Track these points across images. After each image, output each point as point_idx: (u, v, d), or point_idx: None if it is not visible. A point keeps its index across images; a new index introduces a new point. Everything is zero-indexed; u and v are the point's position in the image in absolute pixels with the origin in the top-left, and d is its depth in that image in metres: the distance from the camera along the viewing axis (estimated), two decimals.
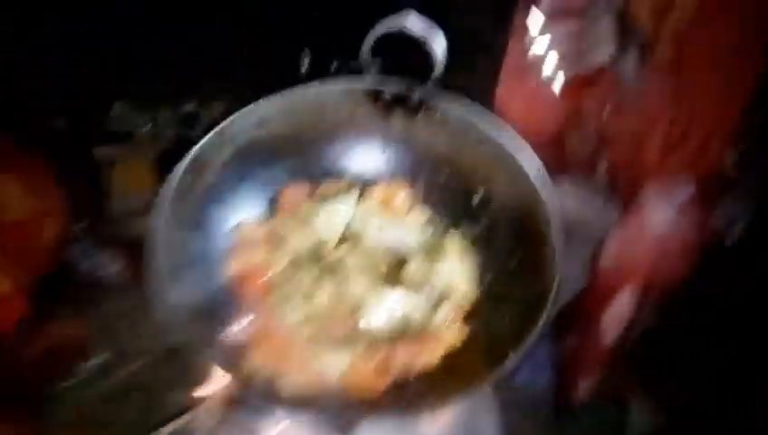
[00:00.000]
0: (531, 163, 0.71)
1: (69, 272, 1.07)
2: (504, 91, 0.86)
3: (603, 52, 0.76)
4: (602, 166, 0.83)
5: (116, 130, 1.06)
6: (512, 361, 0.59)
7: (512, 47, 0.85)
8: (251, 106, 0.75)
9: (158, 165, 1.04)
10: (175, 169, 0.69)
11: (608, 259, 0.79)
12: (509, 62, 0.85)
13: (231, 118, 0.73)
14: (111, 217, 1.09)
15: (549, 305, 0.62)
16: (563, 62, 0.80)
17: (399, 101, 0.78)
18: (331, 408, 0.66)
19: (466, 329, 0.71)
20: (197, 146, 0.71)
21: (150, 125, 1.06)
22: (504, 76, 0.86)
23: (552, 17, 0.79)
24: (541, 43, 0.81)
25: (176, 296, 0.63)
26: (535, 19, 0.80)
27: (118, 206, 1.06)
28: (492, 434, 0.74)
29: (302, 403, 0.65)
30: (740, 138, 0.72)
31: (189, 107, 1.05)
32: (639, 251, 0.77)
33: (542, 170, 0.70)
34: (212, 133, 0.72)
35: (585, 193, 0.90)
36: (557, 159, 0.77)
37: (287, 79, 0.77)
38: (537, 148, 0.72)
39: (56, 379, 0.99)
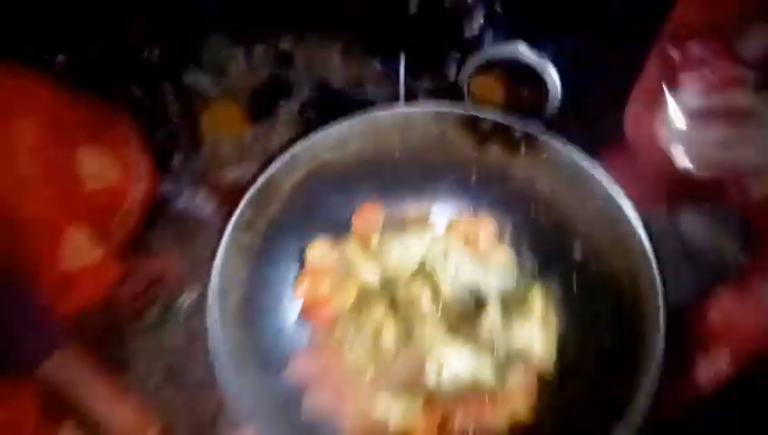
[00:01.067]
0: (639, 225, 0.62)
1: (164, 207, 1.14)
2: (634, 114, 0.77)
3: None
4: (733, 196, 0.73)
5: (209, 62, 1.06)
6: None
7: (648, 69, 0.74)
8: (328, 128, 0.69)
9: (249, 105, 1.05)
10: (246, 196, 0.65)
11: (714, 311, 0.70)
12: (643, 84, 0.75)
13: (306, 139, 0.68)
14: (204, 157, 1.13)
15: (639, 402, 0.54)
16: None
17: (500, 133, 0.70)
18: None
19: (539, 398, 0.65)
20: (268, 171, 0.67)
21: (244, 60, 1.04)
22: (635, 99, 0.76)
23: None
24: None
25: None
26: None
27: (209, 145, 1.08)
28: None
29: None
30: None
31: (285, 45, 1.03)
32: (747, 316, 0.67)
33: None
34: (285, 156, 0.68)
35: (713, 223, 0.82)
36: (684, 187, 0.68)
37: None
38: (663, 176, 0.63)
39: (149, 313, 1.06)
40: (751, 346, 0.67)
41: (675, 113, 0.62)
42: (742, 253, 0.77)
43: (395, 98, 0.98)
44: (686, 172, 0.66)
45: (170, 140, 1.12)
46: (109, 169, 0.94)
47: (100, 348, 1.02)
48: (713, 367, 0.67)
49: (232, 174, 1.22)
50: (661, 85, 0.70)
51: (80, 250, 0.89)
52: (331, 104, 1.16)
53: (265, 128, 1.15)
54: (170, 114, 1.17)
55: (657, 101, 0.71)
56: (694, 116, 0.61)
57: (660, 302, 0.59)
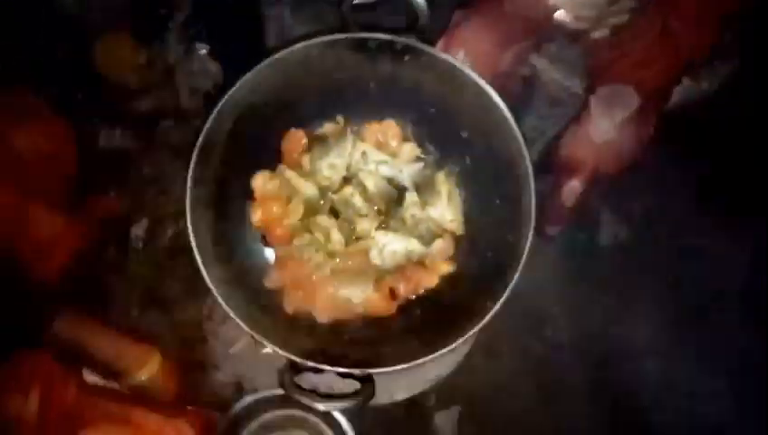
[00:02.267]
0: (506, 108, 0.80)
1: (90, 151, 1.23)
2: None
3: None
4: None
5: None
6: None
7: None
8: (242, 78, 0.80)
9: (135, 31, 1.14)
10: (192, 158, 0.77)
11: (565, 147, 0.92)
12: None
13: (225, 96, 0.79)
14: (109, 91, 1.20)
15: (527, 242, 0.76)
16: None
17: (385, 48, 0.83)
18: (360, 328, 0.84)
19: (456, 255, 0.87)
20: (204, 131, 0.78)
21: None
22: None
23: None
24: None
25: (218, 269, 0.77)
26: None
27: (111, 79, 1.17)
28: None
29: (338, 326, 0.83)
30: None
31: None
32: (586, 150, 0.90)
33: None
34: (211, 119, 0.78)
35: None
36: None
37: None
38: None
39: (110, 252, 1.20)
40: (594, 168, 0.90)
41: None
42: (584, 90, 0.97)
43: None
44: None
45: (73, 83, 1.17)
46: (38, 139, 1.01)
47: (83, 296, 1.16)
48: (570, 188, 0.91)
49: (143, 104, 1.29)
50: None
51: (44, 221, 0.99)
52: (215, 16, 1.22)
53: (158, 49, 1.21)
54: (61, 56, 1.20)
55: None
56: None
57: (528, 165, 0.78)
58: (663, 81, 0.86)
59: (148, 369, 0.95)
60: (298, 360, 0.74)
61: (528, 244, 0.76)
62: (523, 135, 0.80)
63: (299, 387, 0.73)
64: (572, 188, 0.90)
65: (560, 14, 0.79)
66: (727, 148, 1.09)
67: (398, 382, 1.04)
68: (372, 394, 0.73)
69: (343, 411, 1.04)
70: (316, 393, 0.72)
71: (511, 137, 0.79)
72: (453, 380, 1.15)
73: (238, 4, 1.19)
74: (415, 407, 1.17)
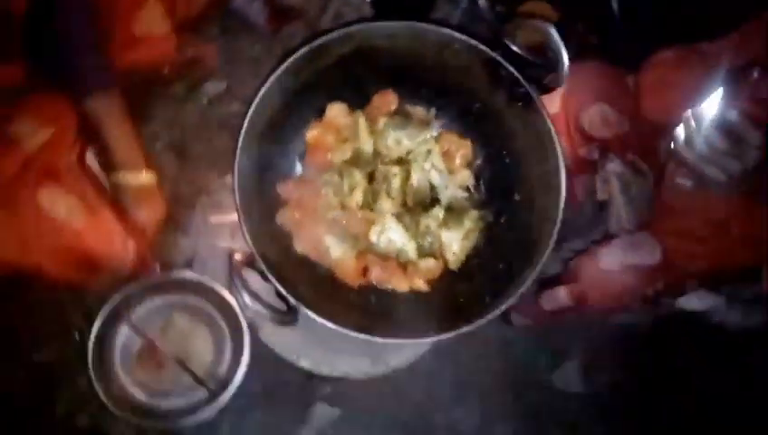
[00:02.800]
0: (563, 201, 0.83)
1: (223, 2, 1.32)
2: None
3: None
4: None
5: None
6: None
7: None
8: (383, 22, 0.85)
9: None
10: (300, 50, 0.82)
11: (577, 259, 0.95)
12: None
13: (363, 24, 0.84)
14: None
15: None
16: None
17: (508, 81, 0.86)
18: (323, 276, 0.87)
19: (438, 281, 0.89)
20: (324, 38, 0.83)
21: None
22: None
23: None
24: None
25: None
26: None
27: None
28: None
29: (301, 264, 0.86)
30: None
31: None
32: (588, 270, 0.95)
33: None
34: (341, 31, 0.83)
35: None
36: None
37: None
38: None
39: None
40: (583, 290, 0.95)
41: None
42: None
43: None
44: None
45: None
46: None
47: (132, 101, 1.22)
48: (555, 294, 0.94)
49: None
50: None
51: (153, 19, 1.05)
52: None
53: None
54: None
55: None
56: None
57: (544, 256, 0.81)
58: (690, 263, 0.89)
59: (139, 177, 0.98)
60: (257, 257, 0.77)
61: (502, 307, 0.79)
62: (560, 234, 0.83)
63: (241, 278, 0.76)
64: (557, 294, 0.93)
65: (680, 145, 0.79)
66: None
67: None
68: (291, 322, 0.76)
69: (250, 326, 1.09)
70: (249, 291, 0.75)
71: (550, 222, 0.82)
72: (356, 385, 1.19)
73: None
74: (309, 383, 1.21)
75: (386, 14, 0.87)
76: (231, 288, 0.74)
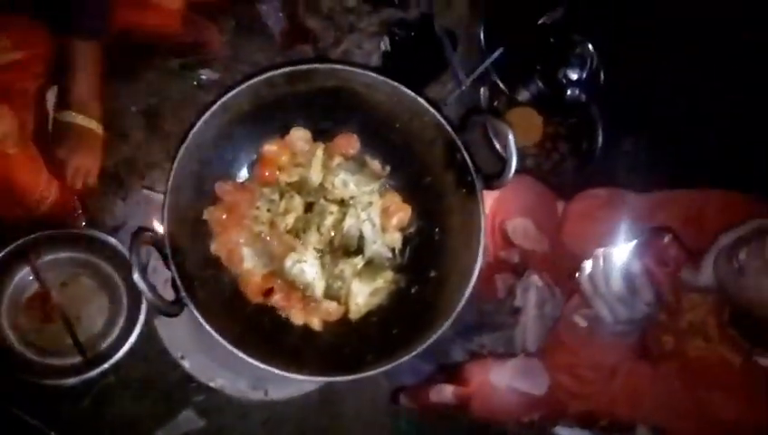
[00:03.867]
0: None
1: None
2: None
3: None
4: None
5: None
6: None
7: None
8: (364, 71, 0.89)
9: None
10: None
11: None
12: None
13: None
14: None
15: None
16: None
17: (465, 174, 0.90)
18: (226, 283, 0.88)
19: (335, 325, 0.90)
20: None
21: None
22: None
23: None
24: None
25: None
26: None
27: None
28: None
29: (208, 265, 0.87)
30: None
31: None
32: (478, 376, 1.00)
33: None
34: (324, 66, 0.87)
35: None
36: None
37: None
38: None
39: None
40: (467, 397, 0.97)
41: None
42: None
43: None
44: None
45: None
46: None
47: (125, 58, 1.24)
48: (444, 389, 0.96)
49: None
50: None
51: None
52: None
53: None
54: None
55: None
56: None
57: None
58: (571, 401, 0.91)
59: (88, 122, 0.98)
60: (166, 238, 0.77)
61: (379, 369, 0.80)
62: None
63: (139, 252, 0.75)
64: (444, 390, 0.94)
65: (584, 278, 0.82)
66: None
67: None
68: (171, 314, 0.76)
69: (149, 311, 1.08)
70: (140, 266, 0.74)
71: (452, 307, 0.84)
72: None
73: None
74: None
75: (393, 67, 0.90)
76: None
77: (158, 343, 1.17)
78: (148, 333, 1.17)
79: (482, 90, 1.48)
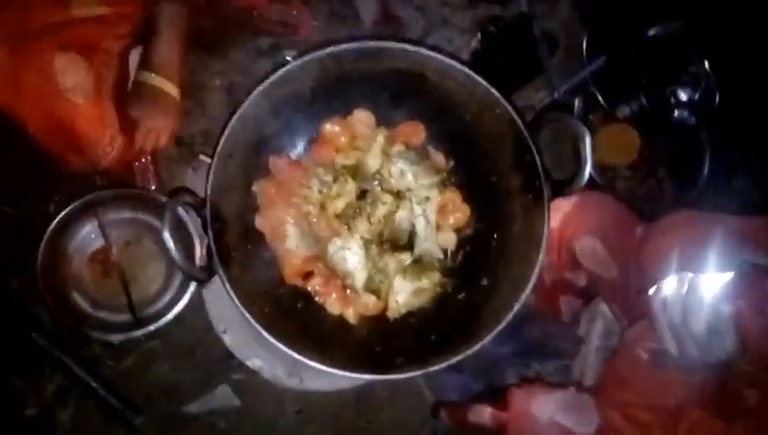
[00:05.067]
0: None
1: None
2: None
3: None
4: None
5: None
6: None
7: None
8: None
9: None
10: None
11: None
12: None
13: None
14: None
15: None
16: None
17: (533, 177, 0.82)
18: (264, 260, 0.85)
19: (365, 323, 0.85)
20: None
21: None
22: None
23: None
24: None
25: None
26: None
27: None
28: None
29: (250, 238, 0.84)
30: None
31: None
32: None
33: None
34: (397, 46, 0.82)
35: None
36: None
37: None
38: None
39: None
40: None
41: None
42: None
43: None
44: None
45: None
46: None
47: (216, 33, 1.25)
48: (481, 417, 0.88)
49: None
50: None
51: None
52: None
53: None
54: None
55: None
56: None
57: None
58: None
59: (166, 85, 0.98)
60: (208, 203, 0.75)
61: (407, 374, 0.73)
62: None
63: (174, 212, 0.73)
64: (482, 412, 0.87)
65: (658, 302, 0.71)
66: None
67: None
68: (198, 280, 0.74)
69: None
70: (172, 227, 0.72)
71: (496, 321, 0.76)
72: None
73: None
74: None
75: (483, 66, 0.83)
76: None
77: (205, 317, 1.16)
78: (198, 305, 1.16)
79: (576, 101, 1.37)
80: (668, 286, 0.66)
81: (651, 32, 1.34)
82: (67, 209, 1.10)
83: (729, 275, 0.64)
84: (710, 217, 0.78)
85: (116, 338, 1.12)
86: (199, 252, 1.10)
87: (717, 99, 1.32)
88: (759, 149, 1.36)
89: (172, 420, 1.15)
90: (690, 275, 0.65)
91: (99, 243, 1.18)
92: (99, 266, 1.18)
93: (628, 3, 1.38)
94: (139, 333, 1.11)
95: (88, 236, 1.17)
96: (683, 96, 1.32)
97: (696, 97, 1.31)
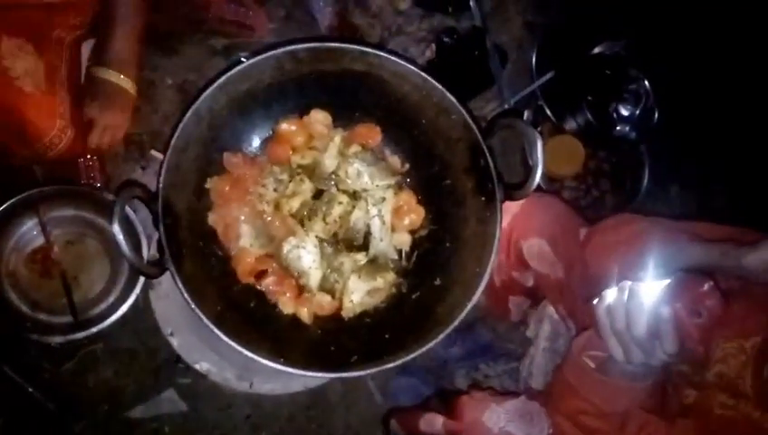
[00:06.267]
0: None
1: None
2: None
3: None
4: None
5: None
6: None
7: None
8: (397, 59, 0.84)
9: None
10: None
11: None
12: None
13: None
14: None
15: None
16: None
17: (486, 180, 0.84)
18: (216, 258, 0.84)
19: (318, 323, 0.84)
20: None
21: None
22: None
23: None
24: None
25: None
26: None
27: None
28: None
29: (201, 235, 0.83)
30: None
31: None
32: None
33: None
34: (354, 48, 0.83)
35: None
36: None
37: None
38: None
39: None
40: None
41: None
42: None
43: None
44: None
45: None
46: None
47: (169, 31, 1.23)
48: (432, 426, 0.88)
49: None
50: None
51: None
52: None
53: None
54: None
55: None
56: None
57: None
58: None
59: (123, 81, 0.97)
60: (160, 197, 0.74)
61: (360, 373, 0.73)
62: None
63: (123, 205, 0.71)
64: (434, 420, 0.88)
65: (602, 308, 0.72)
66: None
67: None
68: (148, 275, 0.72)
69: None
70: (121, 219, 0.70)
71: (448, 322, 0.77)
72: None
73: None
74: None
75: (437, 76, 0.85)
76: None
77: (151, 319, 1.13)
78: (143, 307, 1.13)
79: (526, 112, 1.42)
80: (611, 294, 0.69)
81: (596, 50, 1.41)
82: (5, 205, 1.06)
83: (667, 281, 0.67)
84: (648, 220, 0.81)
85: (56, 341, 1.07)
86: (147, 250, 1.07)
87: (656, 115, 1.39)
88: (694, 163, 1.45)
89: (114, 427, 1.11)
90: (631, 282, 0.68)
91: (39, 241, 1.13)
92: (38, 266, 1.13)
93: (575, 22, 1.45)
94: (80, 335, 1.07)
95: (27, 233, 1.13)
96: (624, 112, 1.38)
97: (637, 113, 1.38)
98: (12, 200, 1.06)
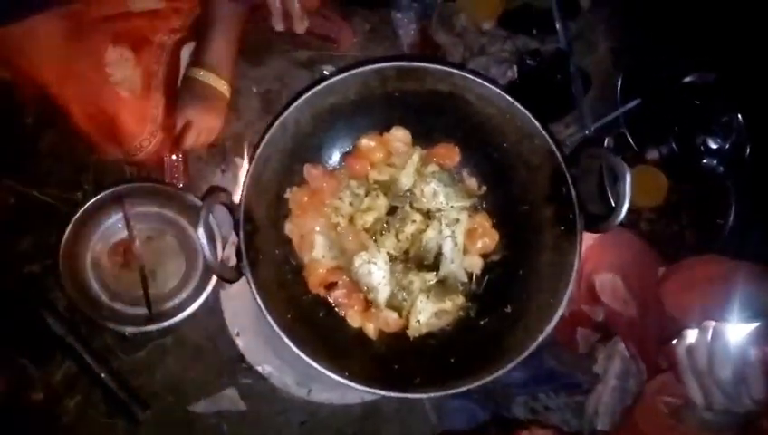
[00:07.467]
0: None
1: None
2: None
3: None
4: None
5: None
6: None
7: None
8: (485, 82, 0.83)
9: None
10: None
11: None
12: None
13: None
14: None
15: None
16: None
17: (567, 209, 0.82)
18: (290, 266, 0.85)
19: (384, 339, 0.84)
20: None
21: None
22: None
23: None
24: None
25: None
26: None
27: None
28: None
29: (277, 243, 0.84)
30: None
31: None
32: None
33: None
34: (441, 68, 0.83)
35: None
36: None
37: None
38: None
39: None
40: None
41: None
42: None
43: None
44: None
45: None
46: None
47: (257, 40, 1.27)
48: None
49: None
50: None
51: None
52: None
53: None
54: None
55: None
56: None
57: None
58: None
59: (218, 82, 0.99)
60: (241, 205, 0.76)
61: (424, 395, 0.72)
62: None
63: (208, 211, 0.73)
64: None
65: (682, 349, 0.69)
66: None
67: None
68: (225, 278, 0.74)
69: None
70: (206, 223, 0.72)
71: (518, 351, 0.76)
72: None
73: None
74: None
75: (517, 98, 0.84)
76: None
77: (220, 318, 1.16)
78: (213, 306, 1.17)
79: (607, 139, 1.37)
80: (692, 334, 0.65)
81: (686, 79, 1.36)
82: (95, 198, 1.12)
83: (756, 323, 0.64)
84: (731, 262, 0.77)
85: (129, 331, 1.12)
86: (221, 253, 1.11)
87: (748, 151, 1.32)
88: None
89: (176, 418, 1.15)
90: (715, 323, 0.64)
91: (122, 234, 1.19)
92: (120, 258, 1.18)
93: (664, 51, 1.40)
94: (152, 327, 1.12)
95: (113, 226, 1.18)
96: (713, 145, 1.32)
97: (727, 147, 1.31)
98: (101, 194, 1.12)
